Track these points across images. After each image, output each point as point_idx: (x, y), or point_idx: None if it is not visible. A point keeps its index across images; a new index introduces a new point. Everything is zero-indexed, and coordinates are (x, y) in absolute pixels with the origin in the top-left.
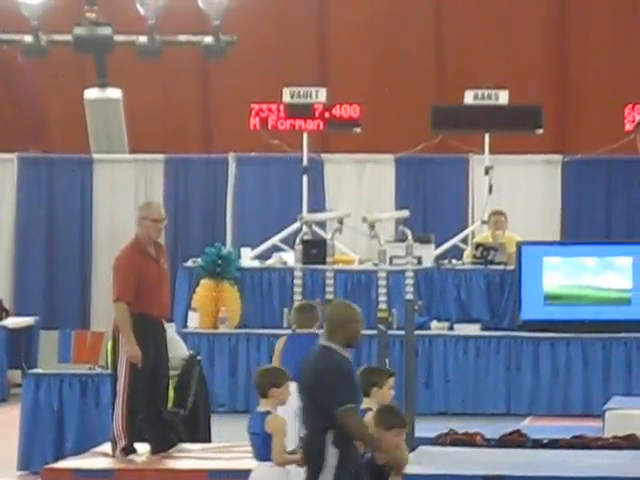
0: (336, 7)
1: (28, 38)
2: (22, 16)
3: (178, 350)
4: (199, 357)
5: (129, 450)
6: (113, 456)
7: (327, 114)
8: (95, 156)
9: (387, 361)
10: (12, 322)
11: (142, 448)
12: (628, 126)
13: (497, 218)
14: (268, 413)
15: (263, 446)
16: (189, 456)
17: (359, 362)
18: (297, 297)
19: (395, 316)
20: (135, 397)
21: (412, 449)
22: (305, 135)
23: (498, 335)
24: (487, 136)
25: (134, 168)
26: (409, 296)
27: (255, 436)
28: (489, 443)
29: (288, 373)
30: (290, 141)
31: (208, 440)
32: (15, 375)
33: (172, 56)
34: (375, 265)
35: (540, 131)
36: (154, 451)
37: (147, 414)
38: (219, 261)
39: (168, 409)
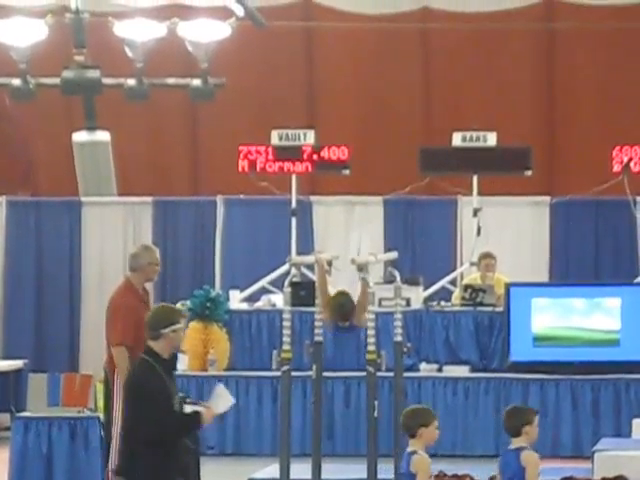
0: (324, 50)
1: (16, 81)
2: (10, 59)
3: None
4: (188, 400)
5: None
6: None
7: (315, 156)
8: (84, 199)
9: (376, 403)
10: (1, 365)
11: None
12: (616, 167)
13: (488, 261)
14: (414, 453)
15: None
16: None
17: (348, 404)
18: (286, 339)
19: (384, 358)
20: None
21: None
22: (294, 177)
23: (487, 377)
24: (475, 178)
25: (123, 211)
26: (398, 338)
27: (402, 476)
28: None
29: (434, 412)
30: (278, 183)
31: None
32: (4, 418)
33: (160, 99)
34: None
35: (529, 173)
36: None
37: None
38: (208, 304)
39: None
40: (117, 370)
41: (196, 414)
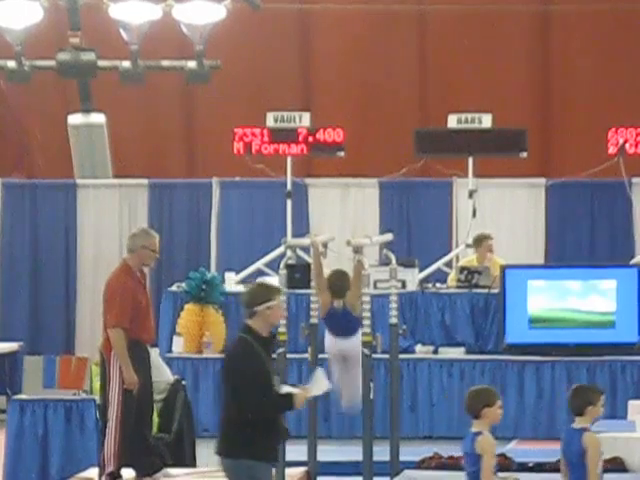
0: (320, 32)
1: (11, 64)
2: (5, 41)
3: (163, 375)
4: (184, 382)
5: (116, 475)
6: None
7: (311, 138)
8: (79, 181)
9: (371, 385)
10: None
11: (127, 474)
12: (611, 149)
13: (488, 244)
14: (479, 434)
15: (472, 466)
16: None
17: None
18: (281, 321)
19: (379, 340)
20: (128, 423)
21: (397, 473)
22: (289, 159)
23: (483, 359)
24: (471, 160)
25: (118, 193)
26: (393, 320)
27: (466, 455)
28: None
29: (498, 392)
30: (274, 165)
31: (193, 465)
32: (0, 401)
33: (156, 81)
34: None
35: (524, 154)
36: (139, 476)
37: (132, 439)
38: (203, 286)
39: (153, 434)
40: (114, 352)
41: (290, 395)
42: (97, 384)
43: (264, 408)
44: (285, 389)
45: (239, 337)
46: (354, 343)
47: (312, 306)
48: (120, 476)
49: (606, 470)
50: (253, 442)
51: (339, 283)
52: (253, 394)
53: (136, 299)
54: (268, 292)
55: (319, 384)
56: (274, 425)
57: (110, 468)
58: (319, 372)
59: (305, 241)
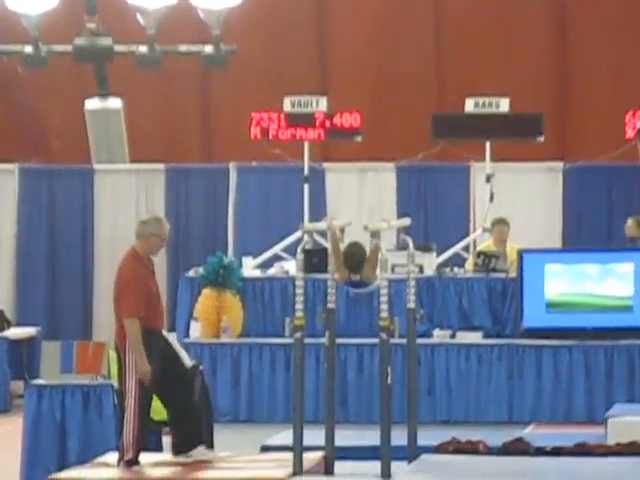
0: (336, 16)
1: (28, 49)
2: (22, 27)
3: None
4: (201, 367)
5: (134, 462)
6: (117, 467)
7: (328, 123)
8: (96, 166)
9: (389, 370)
10: (14, 333)
11: (145, 459)
12: (629, 133)
13: (500, 228)
14: None
15: None
16: (192, 465)
17: (361, 371)
18: (298, 306)
19: (397, 324)
20: (145, 411)
21: (414, 457)
22: (306, 144)
23: (500, 343)
24: (488, 144)
25: (135, 178)
26: (411, 305)
27: None
28: (492, 451)
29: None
30: (291, 150)
31: (211, 450)
32: (18, 386)
33: (172, 66)
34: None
35: (541, 139)
36: (176, 452)
37: (172, 414)
38: (221, 271)
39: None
40: (129, 342)
41: None
42: (115, 369)
43: None
44: None
45: None
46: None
47: (329, 291)
48: (138, 462)
49: (624, 454)
50: None
51: (355, 258)
52: None
53: (148, 287)
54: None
55: None
56: None
57: (129, 455)
58: None
59: (322, 225)
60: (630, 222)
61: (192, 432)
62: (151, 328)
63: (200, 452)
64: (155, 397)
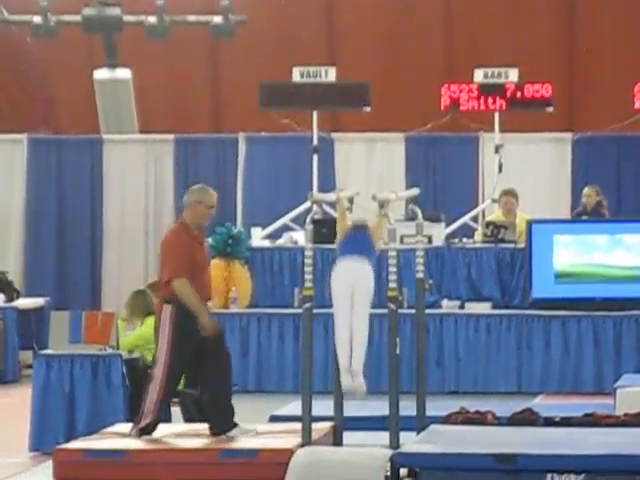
0: None
1: (37, 19)
2: None
3: None
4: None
5: (149, 430)
6: (130, 432)
7: (337, 94)
8: (105, 136)
9: (397, 340)
10: (23, 303)
11: (161, 429)
12: (638, 104)
13: (507, 199)
14: None
15: None
16: (200, 435)
17: (370, 341)
18: (307, 276)
19: (406, 295)
20: (173, 384)
21: (423, 428)
22: (315, 114)
23: (509, 314)
24: (497, 115)
25: (144, 148)
26: (420, 275)
27: None
28: (500, 422)
29: None
30: (300, 120)
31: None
32: (26, 356)
33: (181, 36)
34: (385, 244)
35: (550, 109)
36: (214, 433)
37: (211, 396)
38: (229, 241)
39: (180, 389)
40: (186, 301)
41: None
42: (124, 339)
43: None
44: None
45: None
46: (365, 273)
47: None
48: (150, 433)
49: (632, 424)
50: None
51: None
52: None
53: (193, 256)
54: None
55: None
56: None
57: (147, 420)
58: None
59: (331, 196)
60: (588, 190)
61: (229, 412)
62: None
63: (240, 430)
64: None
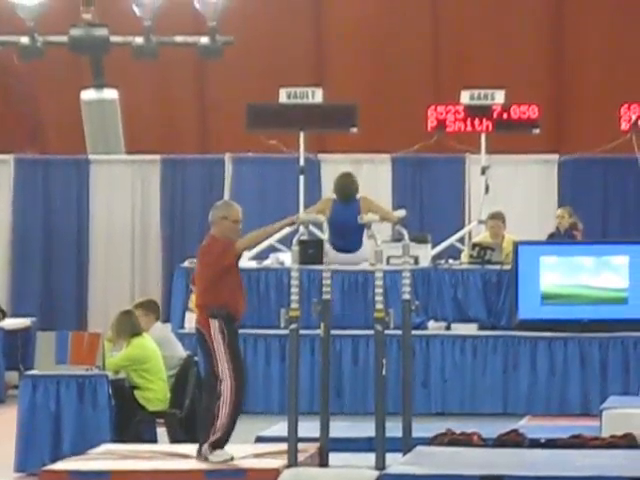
0: (332, 7)
1: (24, 39)
2: (18, 17)
3: (175, 350)
4: (196, 358)
5: (220, 445)
6: (200, 448)
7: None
8: (92, 157)
9: (384, 361)
10: (9, 323)
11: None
12: (624, 125)
13: (494, 222)
14: None
15: None
16: (187, 456)
17: (356, 362)
18: (294, 297)
19: (392, 316)
20: (241, 393)
21: (409, 449)
22: (301, 135)
23: (495, 335)
24: (483, 136)
25: (131, 169)
26: (406, 296)
27: None
28: (486, 443)
29: None
30: (286, 141)
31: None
32: (12, 377)
33: (168, 57)
34: (372, 265)
35: (536, 131)
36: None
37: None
38: None
39: (165, 410)
40: (212, 328)
41: None
42: (110, 360)
43: None
44: None
45: None
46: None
47: (324, 282)
48: (222, 447)
49: (618, 446)
50: None
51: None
52: None
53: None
54: None
55: None
56: None
57: (216, 436)
58: None
59: (321, 218)
60: (561, 211)
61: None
62: (233, 315)
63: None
64: (153, 388)
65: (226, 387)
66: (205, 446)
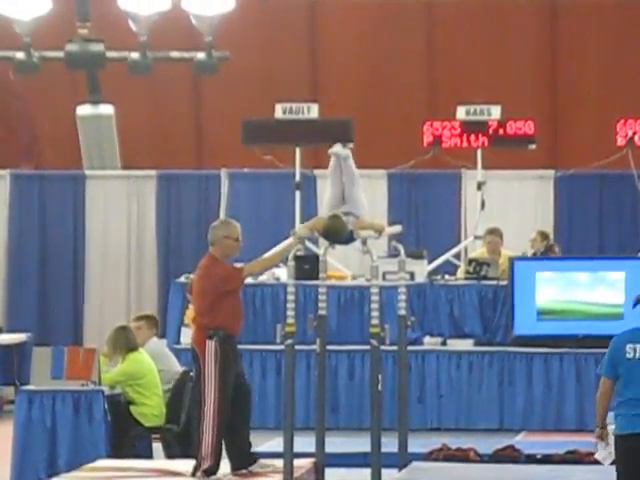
0: (328, 23)
1: (20, 55)
2: (14, 33)
3: (171, 365)
4: (191, 373)
5: (213, 471)
6: (194, 476)
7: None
8: (87, 172)
9: (379, 377)
10: (5, 338)
11: (223, 469)
12: (620, 141)
13: (492, 238)
14: None
15: None
16: (180, 473)
17: (352, 377)
18: (290, 313)
19: (388, 332)
20: (225, 419)
21: (405, 465)
22: (297, 150)
23: (491, 350)
24: (479, 152)
25: (126, 184)
26: (402, 312)
27: None
28: (482, 458)
29: None
30: (282, 157)
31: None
32: (8, 392)
33: (164, 72)
34: (368, 281)
35: (532, 146)
36: (235, 468)
37: (230, 432)
38: None
39: (161, 425)
40: (207, 350)
41: None
42: (106, 375)
43: None
44: None
45: None
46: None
47: (320, 298)
48: (215, 472)
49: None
50: None
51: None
52: None
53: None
54: None
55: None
56: None
57: (207, 463)
58: None
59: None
60: (534, 235)
61: (249, 447)
62: (231, 334)
63: (260, 465)
64: (148, 403)
65: (209, 410)
66: (198, 474)
